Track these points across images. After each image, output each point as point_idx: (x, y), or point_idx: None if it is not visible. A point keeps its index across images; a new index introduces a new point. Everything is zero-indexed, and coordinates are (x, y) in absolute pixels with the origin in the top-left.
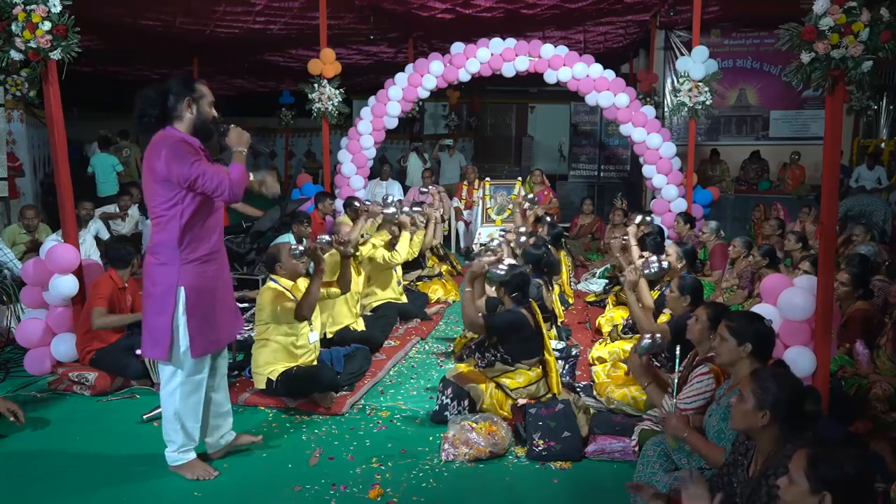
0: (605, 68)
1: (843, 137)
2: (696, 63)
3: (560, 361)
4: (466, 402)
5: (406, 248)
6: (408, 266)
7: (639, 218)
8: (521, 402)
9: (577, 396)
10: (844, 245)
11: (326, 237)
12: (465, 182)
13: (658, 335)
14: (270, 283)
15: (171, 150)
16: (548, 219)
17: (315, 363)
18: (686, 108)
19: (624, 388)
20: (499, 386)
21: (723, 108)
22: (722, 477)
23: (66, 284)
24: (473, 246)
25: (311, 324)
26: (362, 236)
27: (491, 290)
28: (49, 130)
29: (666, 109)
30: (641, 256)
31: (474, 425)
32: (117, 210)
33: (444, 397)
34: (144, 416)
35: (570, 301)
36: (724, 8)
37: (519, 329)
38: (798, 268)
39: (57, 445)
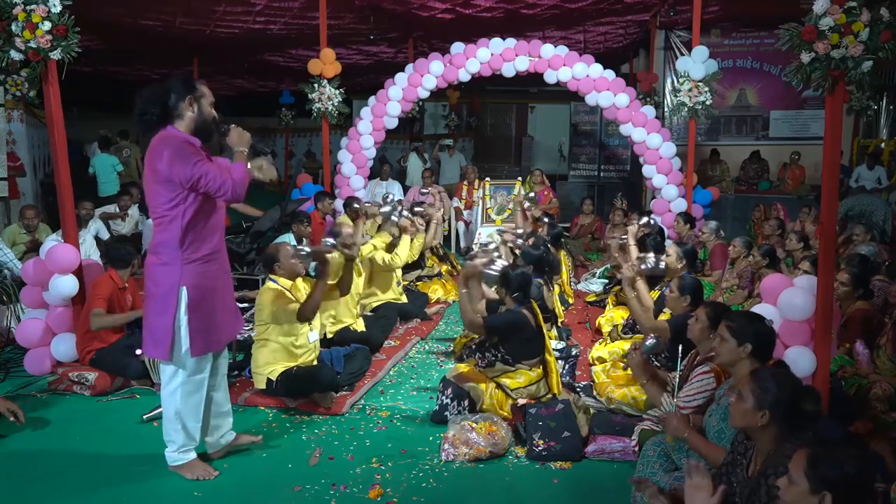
0: (605, 68)
1: (843, 137)
2: (696, 63)
3: (560, 361)
4: (466, 402)
5: (406, 251)
6: (408, 266)
7: (643, 220)
8: (521, 402)
9: (577, 396)
10: (844, 245)
11: (331, 240)
12: (465, 182)
13: (659, 338)
14: (269, 284)
15: (174, 151)
16: (545, 219)
17: (315, 363)
18: (686, 108)
19: (624, 388)
20: (499, 386)
21: (723, 108)
22: (721, 476)
23: (66, 284)
24: (473, 246)
25: (310, 323)
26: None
27: (491, 292)
28: (49, 130)
29: (666, 109)
30: (639, 257)
31: (474, 425)
32: (117, 210)
33: (444, 397)
34: (144, 416)
35: (570, 301)
36: (724, 8)
37: (520, 329)
38: (798, 268)
39: (57, 445)
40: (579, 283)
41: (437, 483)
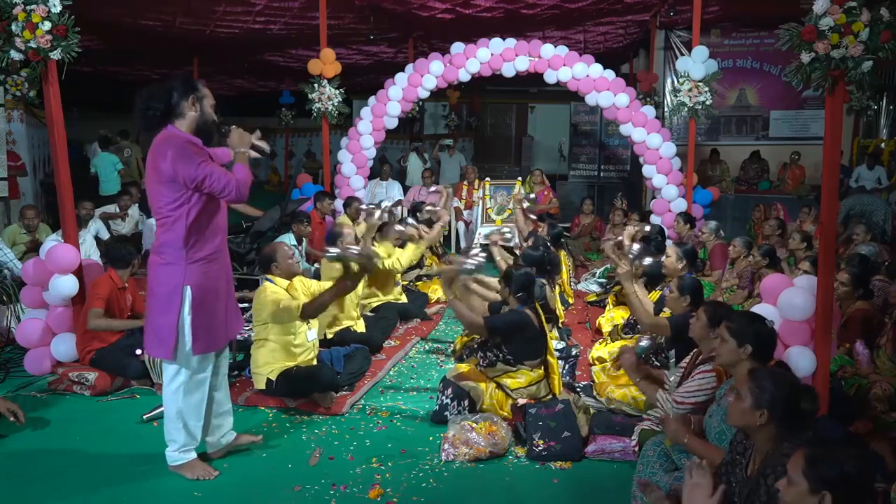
0: (605, 68)
1: (843, 137)
2: (696, 63)
3: (560, 361)
4: (466, 402)
5: (409, 258)
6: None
7: (647, 228)
8: (521, 402)
9: (577, 396)
10: (845, 245)
11: (356, 248)
12: (465, 182)
13: (654, 336)
14: (267, 284)
15: (178, 151)
16: (535, 217)
17: (314, 362)
18: (686, 108)
19: (624, 388)
20: (499, 386)
21: (723, 108)
22: (720, 476)
23: (66, 284)
24: (473, 246)
25: (308, 322)
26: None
27: (493, 294)
28: (49, 130)
29: (666, 109)
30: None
31: (474, 425)
32: (117, 210)
33: (444, 397)
34: (144, 416)
35: (570, 301)
36: (724, 8)
37: (523, 329)
38: (798, 268)
39: (57, 445)
40: (579, 283)
41: (437, 483)
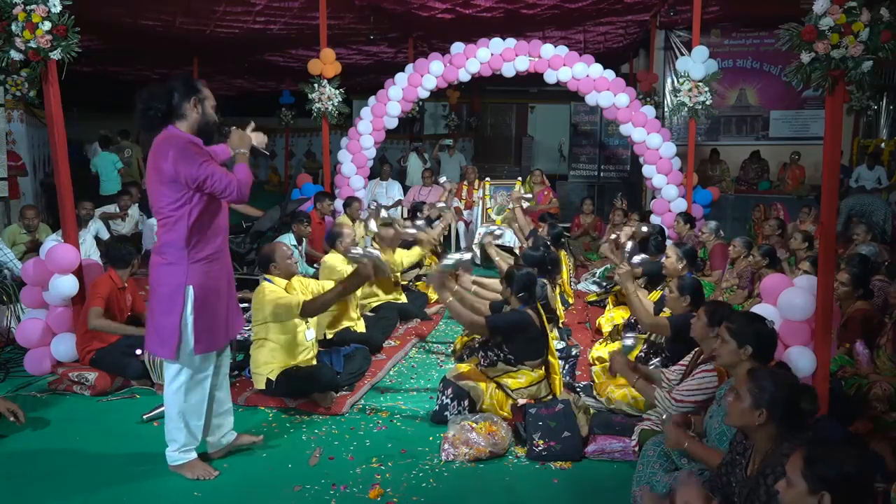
0: (605, 68)
1: (843, 137)
2: (696, 63)
3: (560, 361)
4: (466, 403)
5: (412, 260)
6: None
7: (644, 228)
8: (521, 402)
9: (577, 396)
10: (845, 245)
11: (377, 252)
12: (465, 182)
13: (636, 336)
14: (266, 283)
15: (179, 151)
16: (524, 216)
17: (314, 362)
18: (686, 108)
19: (624, 388)
20: (499, 386)
21: (723, 108)
22: (720, 477)
23: (66, 284)
24: (473, 246)
25: (307, 322)
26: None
27: (494, 294)
28: (49, 130)
29: (666, 109)
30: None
31: (474, 425)
32: (117, 210)
33: (444, 397)
34: (144, 416)
35: (570, 301)
36: (724, 8)
37: (524, 329)
38: (798, 268)
39: (57, 445)
40: (579, 283)
41: (437, 483)
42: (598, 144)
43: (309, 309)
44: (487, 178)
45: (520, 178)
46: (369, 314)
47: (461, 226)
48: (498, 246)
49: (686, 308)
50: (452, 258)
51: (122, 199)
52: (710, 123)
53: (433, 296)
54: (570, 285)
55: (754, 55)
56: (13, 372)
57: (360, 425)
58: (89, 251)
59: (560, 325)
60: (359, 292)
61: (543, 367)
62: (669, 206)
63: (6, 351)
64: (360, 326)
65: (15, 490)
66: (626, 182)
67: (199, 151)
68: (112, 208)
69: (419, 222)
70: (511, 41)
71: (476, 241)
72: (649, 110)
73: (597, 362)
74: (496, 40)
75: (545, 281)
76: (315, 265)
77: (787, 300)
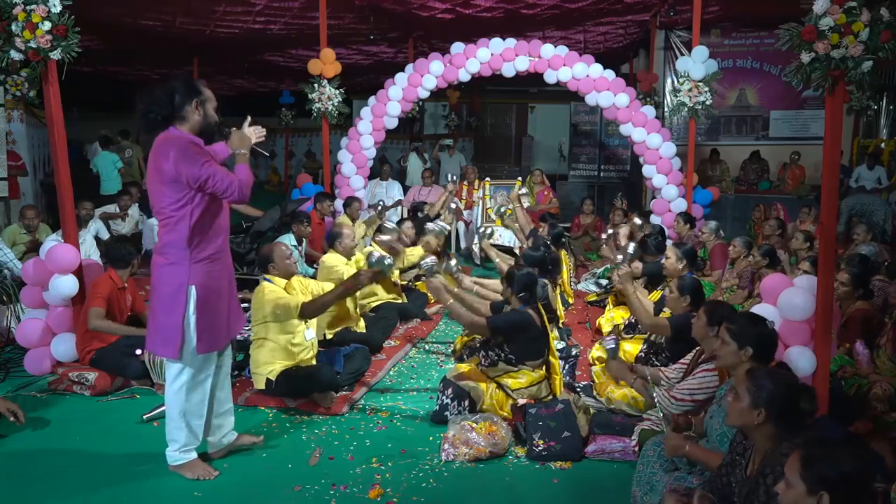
0: (605, 68)
1: (843, 137)
2: (696, 63)
3: (560, 361)
4: (467, 403)
5: (413, 261)
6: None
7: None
8: (522, 402)
9: (577, 396)
10: (845, 245)
11: (389, 260)
12: (465, 182)
13: (616, 338)
14: (265, 283)
15: (181, 151)
16: (520, 216)
17: (314, 362)
18: (686, 108)
19: (624, 388)
20: (500, 386)
21: (723, 108)
22: (721, 478)
23: (66, 284)
24: (473, 246)
25: (307, 322)
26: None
27: (495, 294)
28: (49, 130)
29: (666, 109)
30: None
31: (474, 425)
32: (117, 210)
33: (444, 397)
34: (144, 416)
35: (570, 301)
36: (724, 8)
37: (525, 329)
38: (798, 268)
39: (57, 445)
40: (579, 283)
41: (437, 483)
42: (598, 144)
43: (307, 311)
44: (487, 178)
45: (520, 178)
46: (369, 314)
47: (461, 226)
48: (497, 246)
49: (686, 308)
50: (428, 260)
51: (122, 199)
52: (710, 123)
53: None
54: (571, 285)
55: (754, 55)
56: (13, 372)
57: (360, 425)
58: (89, 251)
59: (560, 325)
60: (358, 293)
61: (544, 367)
62: (669, 206)
63: (6, 351)
64: (360, 326)
65: (15, 490)
66: (626, 182)
67: (200, 152)
68: (112, 208)
69: (437, 226)
70: (511, 41)
71: (475, 241)
72: (649, 110)
73: (597, 362)
74: (496, 40)
75: (546, 281)
76: (315, 265)
77: (787, 300)
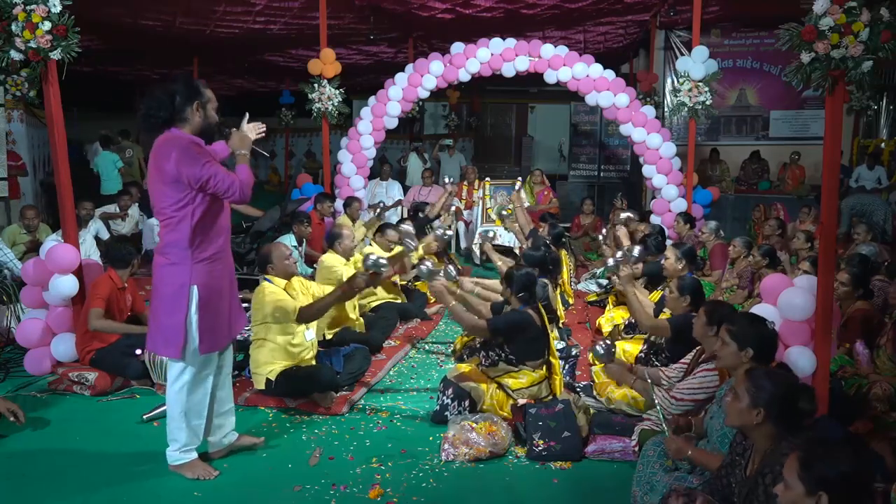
0: (605, 68)
1: (843, 137)
2: (696, 63)
3: (560, 361)
4: (467, 403)
5: (412, 261)
6: None
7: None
8: (522, 402)
9: (577, 396)
10: (845, 245)
11: (385, 262)
12: (465, 182)
13: (609, 342)
14: (265, 284)
15: (182, 152)
16: (520, 217)
17: (314, 362)
18: (686, 108)
19: (624, 389)
20: (500, 386)
21: (723, 108)
22: (720, 478)
23: (66, 284)
24: (473, 246)
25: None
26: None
27: (495, 295)
28: (49, 130)
29: (666, 109)
30: (626, 249)
31: (474, 425)
32: (117, 210)
33: (444, 397)
34: (145, 416)
35: (570, 301)
36: (724, 8)
37: (525, 329)
38: (798, 267)
39: (57, 445)
40: (579, 283)
41: (437, 483)
42: (598, 144)
43: (305, 315)
44: (487, 178)
45: (520, 178)
46: (369, 314)
47: (461, 226)
48: (497, 246)
49: (686, 308)
50: (424, 266)
51: (123, 198)
52: (710, 123)
53: (433, 296)
54: (571, 285)
55: (754, 55)
56: (13, 372)
57: (360, 425)
58: (89, 251)
59: (560, 325)
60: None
61: (545, 368)
62: (669, 206)
63: (6, 351)
64: (360, 326)
65: (15, 490)
66: (626, 182)
67: (201, 152)
68: (112, 208)
69: (439, 231)
70: (511, 41)
71: (475, 241)
72: (649, 110)
73: (597, 362)
74: (496, 40)
75: (546, 281)
76: (314, 266)
77: (787, 300)
